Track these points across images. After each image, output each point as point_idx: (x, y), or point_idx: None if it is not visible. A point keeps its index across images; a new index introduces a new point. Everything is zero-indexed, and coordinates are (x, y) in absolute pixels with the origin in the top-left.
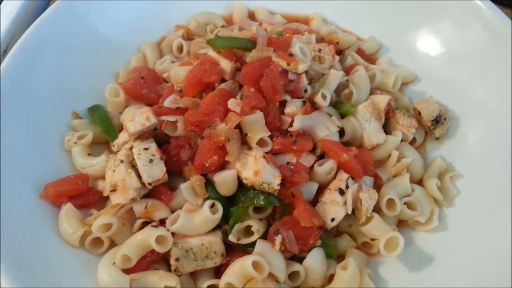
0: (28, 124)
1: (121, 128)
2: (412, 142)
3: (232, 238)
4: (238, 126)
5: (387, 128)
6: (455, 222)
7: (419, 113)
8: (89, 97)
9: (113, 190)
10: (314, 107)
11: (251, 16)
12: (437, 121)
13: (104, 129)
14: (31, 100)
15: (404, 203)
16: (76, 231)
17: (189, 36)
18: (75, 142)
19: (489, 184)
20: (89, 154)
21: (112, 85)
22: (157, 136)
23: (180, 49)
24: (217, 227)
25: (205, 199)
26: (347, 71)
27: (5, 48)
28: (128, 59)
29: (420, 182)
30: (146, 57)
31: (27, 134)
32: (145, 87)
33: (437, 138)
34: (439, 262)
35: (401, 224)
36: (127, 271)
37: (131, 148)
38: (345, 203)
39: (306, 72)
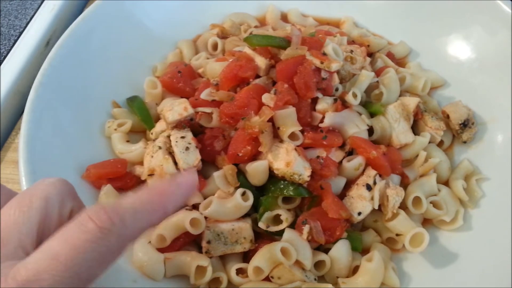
0: (73, 110)
1: (157, 118)
2: (440, 144)
3: (261, 225)
4: (271, 120)
5: (415, 130)
6: (479, 223)
7: (448, 116)
8: (127, 88)
9: (151, 175)
10: (345, 105)
11: (284, 18)
12: (465, 125)
13: (142, 119)
14: (76, 87)
15: (430, 202)
16: None
17: (223, 35)
18: (115, 129)
19: None
20: (127, 141)
21: (150, 77)
22: (192, 126)
23: (215, 46)
24: (247, 215)
25: (236, 188)
26: (377, 73)
27: (48, 40)
28: (165, 55)
29: (446, 184)
30: (183, 53)
31: (72, 119)
32: (182, 81)
33: (464, 142)
34: (463, 260)
35: (426, 223)
36: (161, 250)
37: (168, 136)
38: (372, 199)
39: (338, 72)
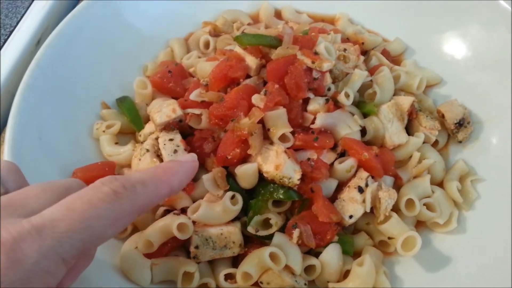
0: (60, 112)
1: (147, 120)
2: (435, 144)
3: (250, 229)
4: (261, 121)
5: (409, 130)
6: (474, 225)
7: (443, 116)
8: (117, 88)
9: None
10: (337, 105)
11: (278, 15)
12: (461, 124)
13: (132, 120)
14: (64, 88)
15: (424, 204)
16: None
17: (215, 33)
18: (104, 131)
19: (510, 189)
20: (116, 143)
21: (140, 77)
22: (182, 128)
23: (207, 45)
24: (236, 219)
25: (226, 191)
26: (372, 71)
27: (39, 38)
28: (156, 53)
29: (440, 185)
30: (174, 52)
31: (59, 121)
32: (172, 81)
33: (460, 142)
34: (456, 263)
35: (419, 225)
36: (148, 255)
37: (156, 139)
38: (364, 201)
39: (330, 71)
